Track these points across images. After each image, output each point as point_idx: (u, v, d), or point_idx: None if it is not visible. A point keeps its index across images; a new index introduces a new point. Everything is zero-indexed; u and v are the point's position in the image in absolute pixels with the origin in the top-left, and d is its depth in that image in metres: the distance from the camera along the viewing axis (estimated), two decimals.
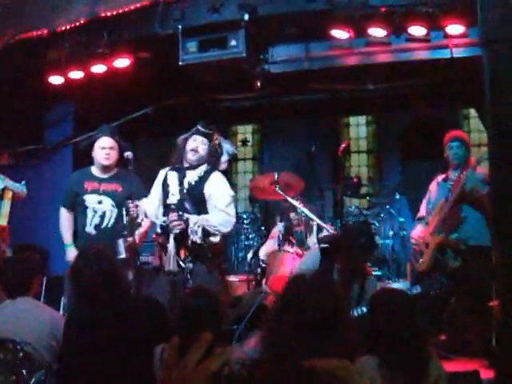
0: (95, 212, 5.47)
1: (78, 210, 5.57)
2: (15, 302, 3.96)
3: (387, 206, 8.66)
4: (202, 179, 5.07)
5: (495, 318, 4.44)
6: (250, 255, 7.88)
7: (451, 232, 5.53)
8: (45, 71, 7.06)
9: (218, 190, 5.05)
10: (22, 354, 3.63)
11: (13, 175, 6.43)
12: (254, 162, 11.35)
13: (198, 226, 4.84)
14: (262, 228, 9.01)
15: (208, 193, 5.02)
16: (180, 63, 6.22)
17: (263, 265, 6.99)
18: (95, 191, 5.52)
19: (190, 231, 4.83)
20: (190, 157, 5.13)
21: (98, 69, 6.89)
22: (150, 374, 3.32)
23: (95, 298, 3.54)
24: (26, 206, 6.78)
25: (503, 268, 4.03)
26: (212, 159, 5.16)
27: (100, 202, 5.48)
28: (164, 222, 4.99)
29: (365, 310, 4.68)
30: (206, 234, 4.89)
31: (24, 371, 3.61)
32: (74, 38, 6.69)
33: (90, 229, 5.46)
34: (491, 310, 4.64)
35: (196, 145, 5.13)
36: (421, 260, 5.63)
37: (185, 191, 5.05)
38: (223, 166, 5.25)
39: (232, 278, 7.64)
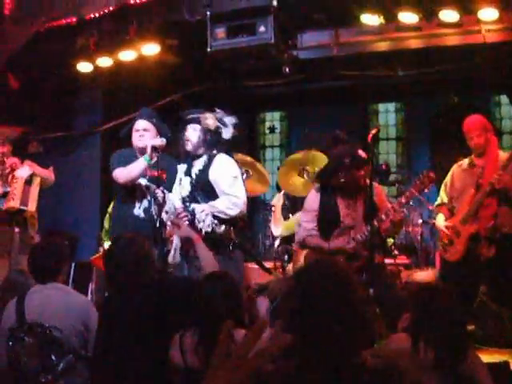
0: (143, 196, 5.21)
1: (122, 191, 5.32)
2: (44, 287, 3.97)
3: (416, 194, 8.54)
4: (207, 166, 4.93)
5: None
6: (277, 242, 7.86)
7: (486, 221, 5.39)
8: (74, 58, 7.09)
9: (220, 173, 4.88)
10: (50, 339, 3.66)
11: (41, 162, 6.48)
12: (282, 149, 11.30)
13: (207, 214, 4.72)
14: (290, 215, 8.97)
15: (213, 179, 4.88)
16: (208, 50, 6.20)
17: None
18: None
19: (197, 221, 4.71)
20: (187, 148, 5.02)
21: (127, 56, 6.92)
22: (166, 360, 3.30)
23: (126, 284, 3.54)
24: (55, 193, 6.82)
25: None
26: (210, 142, 4.98)
27: (147, 188, 5.20)
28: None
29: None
30: (219, 221, 4.76)
31: (53, 356, 3.64)
32: (102, 25, 6.72)
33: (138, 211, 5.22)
34: None
35: (186, 134, 5.02)
36: (453, 249, 5.51)
37: (193, 182, 4.95)
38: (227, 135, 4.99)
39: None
